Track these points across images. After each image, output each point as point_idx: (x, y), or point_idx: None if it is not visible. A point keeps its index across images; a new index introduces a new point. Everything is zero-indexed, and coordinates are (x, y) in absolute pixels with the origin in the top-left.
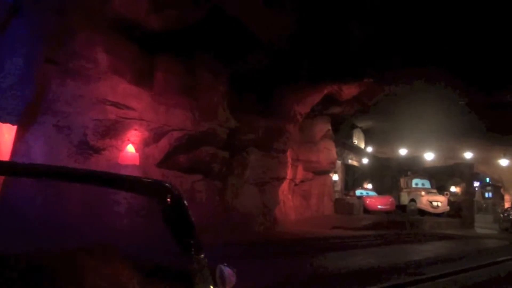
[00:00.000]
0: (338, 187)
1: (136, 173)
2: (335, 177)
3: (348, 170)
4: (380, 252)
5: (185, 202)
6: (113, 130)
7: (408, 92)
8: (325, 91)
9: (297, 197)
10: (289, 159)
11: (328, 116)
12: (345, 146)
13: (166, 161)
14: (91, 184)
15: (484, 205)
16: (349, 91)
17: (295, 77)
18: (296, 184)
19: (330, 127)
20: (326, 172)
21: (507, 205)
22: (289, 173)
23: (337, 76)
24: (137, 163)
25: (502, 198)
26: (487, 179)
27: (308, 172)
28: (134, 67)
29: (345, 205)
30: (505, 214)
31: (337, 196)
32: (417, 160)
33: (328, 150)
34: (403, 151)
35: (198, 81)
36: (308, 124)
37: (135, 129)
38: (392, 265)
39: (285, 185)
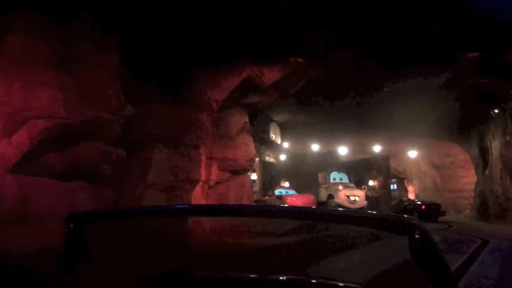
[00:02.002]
0: (257, 187)
1: None
2: (254, 176)
3: (265, 168)
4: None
5: (433, 238)
6: None
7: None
8: (244, 74)
9: (212, 201)
10: (203, 157)
11: (245, 107)
12: (263, 141)
13: (28, 164)
14: (328, 222)
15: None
16: (270, 75)
17: (209, 56)
18: (210, 187)
19: (247, 120)
20: (244, 171)
21: (411, 196)
22: (203, 174)
23: (258, 55)
24: None
25: (405, 190)
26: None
27: (224, 172)
28: None
29: None
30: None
31: (256, 197)
32: (333, 154)
33: (246, 146)
34: (315, 147)
35: (77, 51)
36: (222, 116)
37: None
38: None
39: (198, 189)
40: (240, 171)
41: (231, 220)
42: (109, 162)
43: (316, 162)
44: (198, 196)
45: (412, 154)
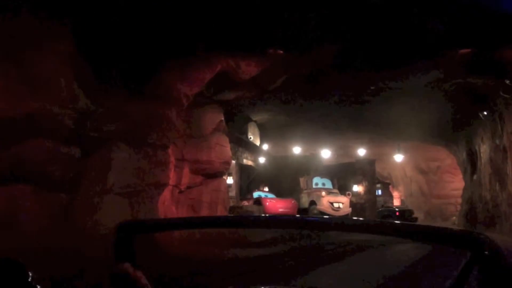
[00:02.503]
0: (233, 192)
1: None
2: (230, 180)
3: (243, 172)
4: None
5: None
6: None
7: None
8: (219, 67)
9: (183, 208)
10: (172, 159)
11: (221, 104)
12: (240, 142)
13: None
14: (389, 235)
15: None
16: (248, 69)
17: (180, 46)
18: (181, 191)
19: (223, 118)
20: (219, 175)
21: (396, 202)
22: (172, 177)
23: (234, 46)
24: None
25: (391, 196)
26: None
27: (197, 175)
28: None
29: (242, 214)
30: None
31: (232, 203)
32: (316, 158)
33: (222, 147)
34: (297, 149)
35: (20, 34)
36: (196, 114)
37: None
38: None
39: (167, 193)
40: (214, 174)
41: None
42: (58, 162)
43: (297, 166)
44: (167, 202)
45: (398, 158)
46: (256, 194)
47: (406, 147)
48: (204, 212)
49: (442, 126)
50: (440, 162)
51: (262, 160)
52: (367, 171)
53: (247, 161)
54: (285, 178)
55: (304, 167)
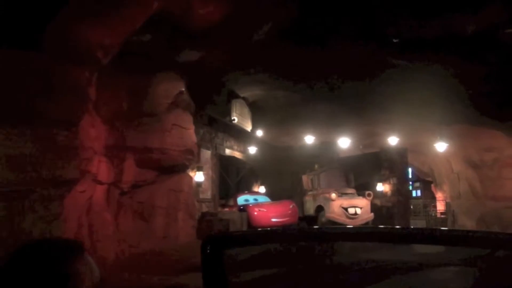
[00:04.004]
0: (208, 194)
1: None
2: (200, 176)
3: (230, 166)
4: None
5: None
6: None
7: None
8: (155, 5)
9: (127, 215)
10: (83, 142)
11: (182, 69)
12: (219, 126)
13: None
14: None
15: (412, 206)
16: (206, 9)
17: None
18: (124, 192)
19: (183, 89)
20: (181, 169)
21: (439, 206)
22: (104, 172)
23: None
24: None
25: (433, 197)
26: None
27: (147, 169)
28: None
29: (215, 224)
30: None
31: (207, 208)
32: (329, 147)
33: (182, 130)
34: (307, 138)
35: None
36: (142, 82)
37: None
38: None
39: (98, 195)
40: (172, 168)
41: (148, 245)
42: None
43: (305, 159)
44: (99, 207)
45: (440, 147)
46: (241, 199)
47: (452, 133)
48: (159, 222)
49: (502, 101)
50: (498, 153)
51: (254, 150)
52: (396, 164)
53: (233, 152)
54: (288, 175)
55: (312, 161)
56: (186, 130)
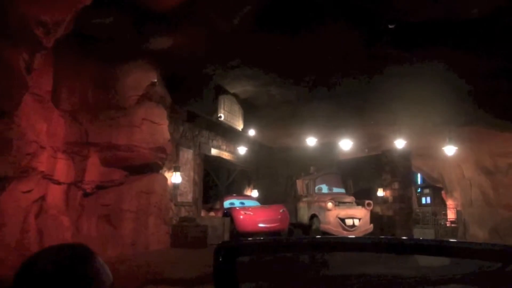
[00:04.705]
0: (188, 197)
1: None
2: (177, 177)
3: (220, 168)
4: None
5: None
6: None
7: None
8: None
9: (91, 219)
10: (37, 138)
11: (153, 57)
12: (203, 123)
13: None
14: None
15: (421, 214)
16: None
17: None
18: (87, 194)
19: (155, 80)
20: (152, 169)
21: (451, 213)
22: (63, 171)
23: None
24: None
25: (444, 205)
26: (418, 178)
27: (114, 168)
28: None
29: (191, 231)
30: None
31: (186, 212)
32: (328, 149)
33: (153, 125)
34: (311, 140)
35: None
36: (108, 72)
37: None
38: None
39: (53, 196)
40: (142, 168)
41: (114, 252)
42: None
43: (303, 162)
44: (53, 210)
45: (449, 150)
46: (227, 203)
47: (462, 136)
48: (127, 227)
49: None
50: None
51: (243, 151)
52: (398, 168)
53: (221, 152)
54: (283, 178)
55: (310, 163)
56: (158, 125)
